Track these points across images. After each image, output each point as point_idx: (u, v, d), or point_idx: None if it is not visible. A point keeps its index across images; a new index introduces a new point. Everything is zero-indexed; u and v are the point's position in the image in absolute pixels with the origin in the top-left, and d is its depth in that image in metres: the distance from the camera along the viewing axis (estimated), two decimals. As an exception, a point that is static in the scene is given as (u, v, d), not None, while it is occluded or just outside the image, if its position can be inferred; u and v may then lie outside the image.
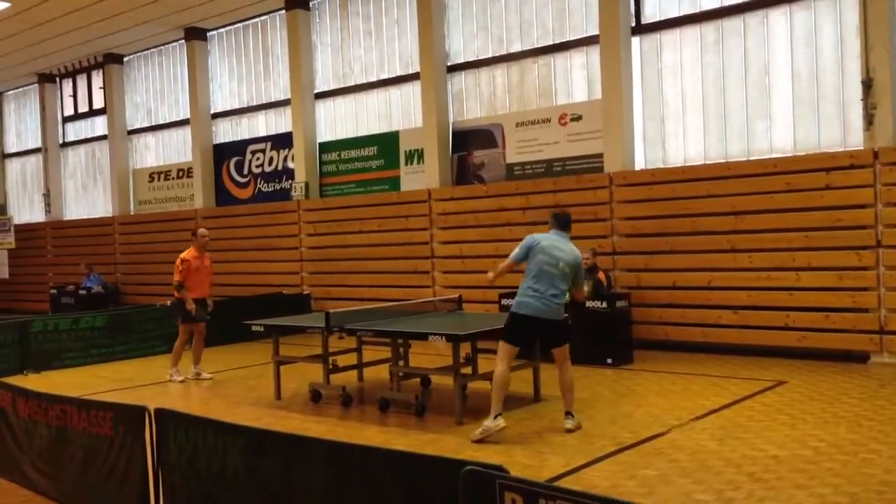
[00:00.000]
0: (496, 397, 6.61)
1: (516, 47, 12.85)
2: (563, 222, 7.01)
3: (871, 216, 9.34)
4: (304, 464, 4.02)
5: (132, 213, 19.33)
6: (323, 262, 14.97)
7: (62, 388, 8.29)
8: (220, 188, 17.37)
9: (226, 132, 17.49)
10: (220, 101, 17.47)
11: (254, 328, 9.08)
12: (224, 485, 4.37)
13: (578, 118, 12.00)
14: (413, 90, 14.03)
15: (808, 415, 6.97)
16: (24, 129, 22.66)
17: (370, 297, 13.26)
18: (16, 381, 7.71)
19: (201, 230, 10.49)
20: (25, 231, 21.27)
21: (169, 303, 10.41)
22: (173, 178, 18.42)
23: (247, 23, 16.64)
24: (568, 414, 6.86)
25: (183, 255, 10.15)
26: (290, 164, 15.81)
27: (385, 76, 14.55)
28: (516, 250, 6.88)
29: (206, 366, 10.42)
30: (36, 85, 21.29)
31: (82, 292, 17.95)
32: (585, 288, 7.07)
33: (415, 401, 7.67)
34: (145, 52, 18.85)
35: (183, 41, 17.49)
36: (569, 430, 6.73)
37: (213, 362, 10.86)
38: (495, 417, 6.54)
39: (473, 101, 13.44)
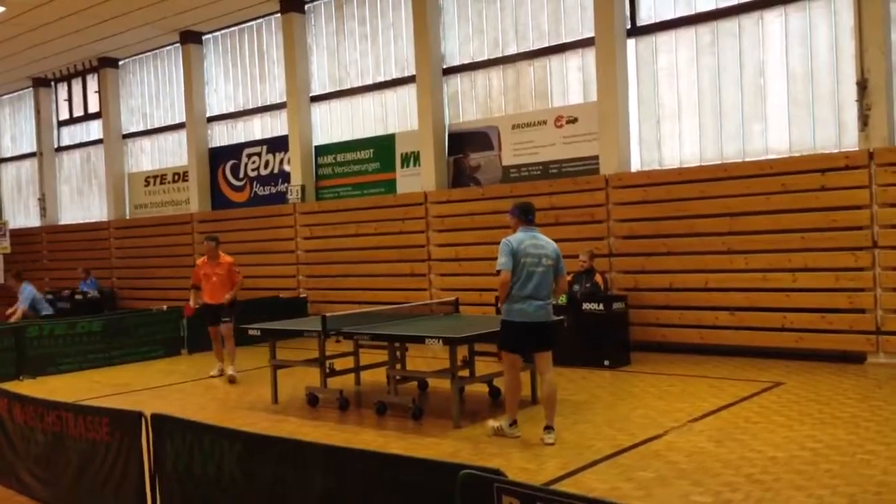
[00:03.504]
0: (513, 404, 6.67)
1: (512, 50, 12.86)
2: (531, 215, 6.68)
3: (866, 217, 9.35)
4: (300, 468, 4.01)
5: (128, 218, 19.30)
6: (319, 266, 14.96)
7: (58, 394, 8.27)
8: (215, 192, 17.35)
9: (221, 136, 17.48)
10: (216, 104, 17.46)
11: (250, 332, 9.06)
12: (221, 489, 4.36)
13: (574, 120, 12.01)
14: (409, 93, 14.03)
15: (806, 416, 6.98)
16: (19, 134, 22.63)
17: (367, 300, 13.26)
18: (11, 386, 7.70)
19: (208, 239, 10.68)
20: (21, 236, 21.23)
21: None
22: (169, 182, 18.40)
23: (242, 26, 16.64)
24: (549, 428, 6.50)
25: (198, 260, 10.73)
26: (286, 168, 15.80)
27: (381, 79, 14.56)
28: (503, 260, 6.44)
29: (203, 370, 10.39)
30: (31, 89, 21.27)
31: (78, 297, 17.91)
32: (567, 278, 6.85)
33: (412, 404, 7.65)
34: (140, 56, 18.84)
35: (178, 45, 17.48)
36: (549, 444, 6.41)
37: (209, 366, 10.86)
38: (511, 424, 6.65)
39: (469, 104, 13.44)
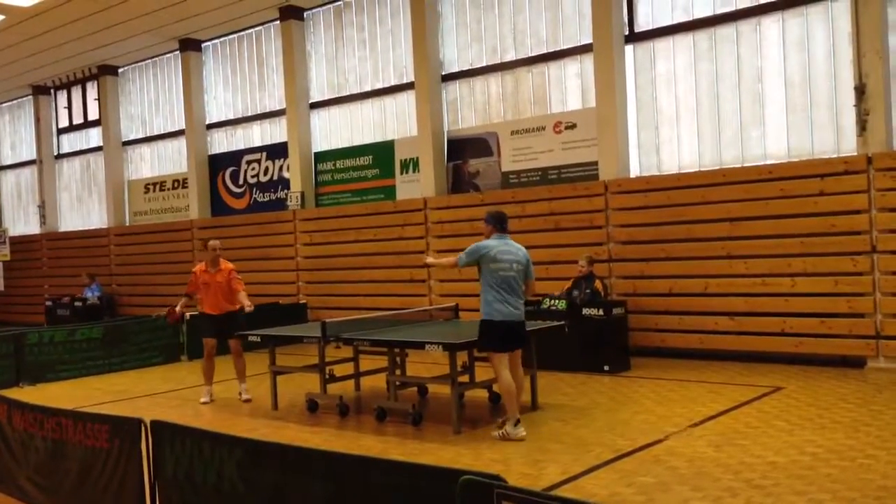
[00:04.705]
0: (512, 404, 6.80)
1: (510, 56, 12.88)
2: (504, 224, 7.09)
3: (865, 222, 9.36)
4: (300, 475, 4.01)
5: (127, 225, 19.30)
6: (319, 272, 14.96)
7: (58, 401, 8.25)
8: (215, 198, 17.36)
9: (221, 142, 17.50)
10: (215, 111, 17.48)
11: (250, 338, 9.06)
12: (221, 496, 4.35)
13: (573, 126, 12.03)
14: (408, 99, 14.06)
15: (806, 420, 6.98)
16: (19, 141, 22.64)
17: (366, 306, 13.26)
18: (11, 393, 7.69)
19: (212, 242, 9.56)
20: (20, 243, 21.23)
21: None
22: (169, 189, 18.41)
23: (241, 33, 16.66)
24: (518, 420, 6.86)
25: (195, 267, 9.78)
26: (286, 174, 15.82)
27: (380, 86, 14.58)
28: (462, 256, 6.98)
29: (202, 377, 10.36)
30: (30, 97, 21.29)
31: (78, 304, 17.91)
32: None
33: (412, 410, 7.65)
34: (140, 64, 18.86)
35: (178, 52, 17.51)
36: (522, 438, 6.73)
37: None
38: (516, 424, 6.76)
39: (468, 110, 13.46)
